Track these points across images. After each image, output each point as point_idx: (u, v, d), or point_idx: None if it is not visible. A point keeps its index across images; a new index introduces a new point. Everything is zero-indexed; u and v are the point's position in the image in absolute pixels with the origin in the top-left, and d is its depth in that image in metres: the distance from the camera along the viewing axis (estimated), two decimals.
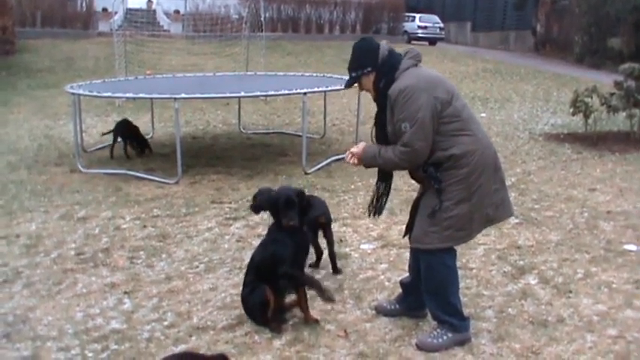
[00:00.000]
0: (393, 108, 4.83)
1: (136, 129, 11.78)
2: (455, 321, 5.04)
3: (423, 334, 5.15)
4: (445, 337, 5.02)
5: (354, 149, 5.17)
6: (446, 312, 5.06)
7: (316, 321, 5.33)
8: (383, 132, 5.00)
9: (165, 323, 5.48)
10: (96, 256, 6.97)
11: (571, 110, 12.82)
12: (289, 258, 5.19)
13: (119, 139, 11.52)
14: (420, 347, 5.00)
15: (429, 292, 5.12)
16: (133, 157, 11.43)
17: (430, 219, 4.91)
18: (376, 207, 5.42)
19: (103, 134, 12.11)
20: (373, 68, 4.98)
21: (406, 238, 5.38)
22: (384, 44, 5.07)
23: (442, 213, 4.86)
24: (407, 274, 5.65)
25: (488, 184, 4.87)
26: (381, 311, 5.58)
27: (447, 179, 4.84)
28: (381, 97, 4.96)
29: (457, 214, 4.84)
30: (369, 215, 5.47)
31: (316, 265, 6.55)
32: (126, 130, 11.64)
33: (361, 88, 5.19)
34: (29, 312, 5.70)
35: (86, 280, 6.34)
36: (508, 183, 9.28)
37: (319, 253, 6.58)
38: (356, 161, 5.14)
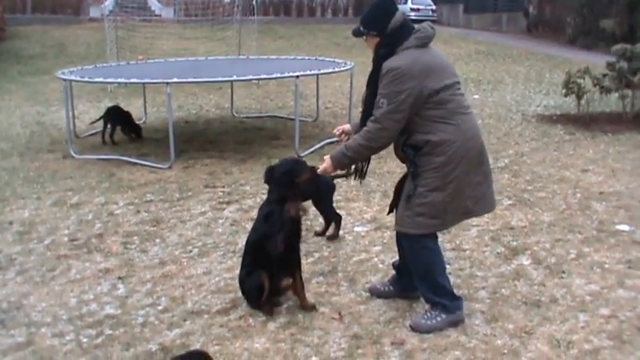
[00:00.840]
0: (380, 80, 4.82)
1: (127, 114, 11.75)
2: (446, 302, 5.06)
3: (416, 316, 5.17)
4: (439, 319, 5.04)
5: (321, 168, 5.13)
6: (436, 293, 5.08)
7: (313, 307, 5.33)
8: (373, 95, 4.93)
9: (160, 308, 5.49)
10: (89, 242, 6.97)
11: (563, 91, 12.81)
12: (280, 237, 5.16)
13: (109, 126, 11.47)
14: (414, 329, 5.02)
15: (417, 275, 5.14)
16: (120, 143, 11.38)
17: (405, 203, 4.95)
18: (360, 171, 5.39)
19: (92, 122, 12.05)
20: (379, 33, 4.94)
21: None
22: (399, 14, 4.95)
23: (415, 198, 4.88)
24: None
25: (467, 177, 4.84)
26: (374, 293, 5.60)
27: (423, 165, 4.84)
28: (378, 62, 4.93)
29: (430, 202, 4.84)
30: (355, 178, 5.42)
31: (322, 233, 6.94)
32: (116, 116, 11.59)
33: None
34: (23, 298, 5.71)
35: (80, 266, 6.34)
36: (501, 164, 9.42)
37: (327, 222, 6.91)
38: (332, 172, 5.16)
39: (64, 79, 10.81)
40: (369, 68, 5.01)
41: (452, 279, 5.82)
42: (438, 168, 4.79)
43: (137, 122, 12.07)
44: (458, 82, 4.98)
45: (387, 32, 4.90)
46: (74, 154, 10.49)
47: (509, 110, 13.90)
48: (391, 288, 5.57)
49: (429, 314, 5.09)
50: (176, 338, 5.00)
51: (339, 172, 5.26)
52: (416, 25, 4.97)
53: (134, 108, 14.31)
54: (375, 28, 4.95)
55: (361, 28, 5.03)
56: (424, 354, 4.71)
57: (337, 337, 4.95)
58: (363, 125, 4.98)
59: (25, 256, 6.67)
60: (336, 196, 8.09)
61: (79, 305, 5.53)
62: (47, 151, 11.03)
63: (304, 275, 5.42)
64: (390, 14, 4.92)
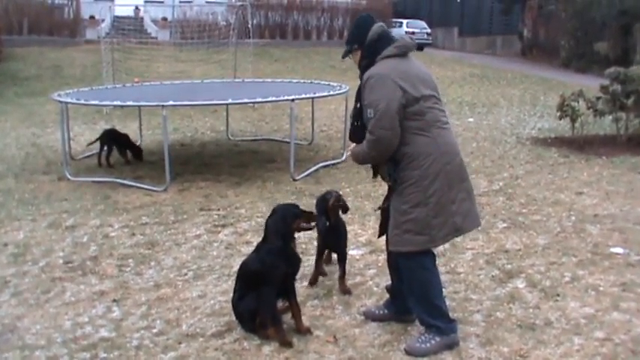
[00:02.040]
0: (362, 92, 4.92)
1: (124, 137, 11.78)
2: (441, 324, 5.06)
3: (411, 339, 5.16)
4: (433, 342, 5.03)
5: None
6: (431, 315, 5.07)
7: (308, 330, 5.32)
8: (358, 109, 5.03)
9: (155, 331, 5.48)
10: (84, 265, 6.96)
11: (558, 114, 12.87)
12: (275, 279, 5.20)
13: (105, 148, 11.48)
14: (409, 352, 5.01)
15: (413, 295, 5.15)
16: (116, 166, 11.39)
17: (393, 221, 5.02)
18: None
19: (89, 144, 12.06)
20: (359, 46, 5.08)
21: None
22: (377, 26, 5.07)
23: (401, 216, 4.93)
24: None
25: (449, 193, 4.87)
26: (369, 317, 5.59)
27: (403, 180, 4.89)
28: (361, 74, 5.06)
29: (414, 218, 4.86)
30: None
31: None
32: (112, 139, 11.60)
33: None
34: (17, 321, 5.69)
35: (75, 289, 6.33)
36: (496, 187, 9.44)
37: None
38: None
39: (60, 102, 10.82)
40: None
41: (446, 302, 5.83)
42: (417, 182, 4.83)
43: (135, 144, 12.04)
44: (436, 96, 5.01)
45: (366, 43, 5.04)
46: (69, 176, 10.49)
47: (504, 133, 13.95)
48: (386, 311, 5.56)
49: (423, 337, 5.09)
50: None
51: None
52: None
53: (130, 130, 14.29)
54: (355, 41, 5.12)
55: (347, 47, 5.20)
56: None
57: None
58: (350, 138, 5.17)
59: (19, 278, 6.66)
60: None
61: (73, 328, 5.51)
62: (42, 172, 11.02)
63: (299, 298, 5.41)
64: (367, 26, 5.08)
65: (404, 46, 5.01)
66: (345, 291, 6.08)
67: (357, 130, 5.05)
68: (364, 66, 5.02)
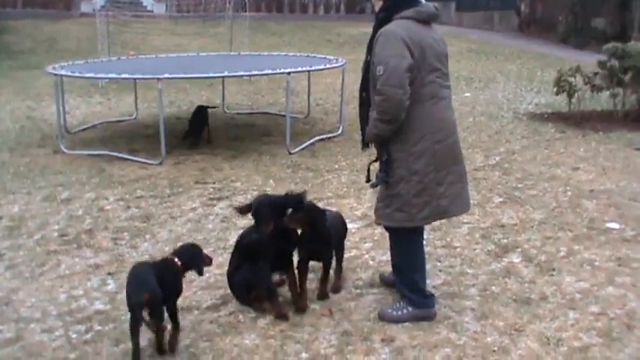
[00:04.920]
0: (373, 48, 4.83)
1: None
2: (415, 297, 5.12)
3: (386, 306, 5.26)
4: (405, 311, 5.10)
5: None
6: (407, 286, 5.15)
7: (305, 308, 5.29)
8: (367, 62, 4.98)
9: None
10: (79, 238, 6.95)
11: (555, 90, 12.81)
12: (271, 253, 5.19)
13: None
14: (381, 317, 5.12)
15: (395, 266, 5.27)
16: (111, 139, 11.34)
17: (379, 193, 5.07)
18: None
19: (187, 134, 11.13)
20: None
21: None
22: None
23: (385, 189, 4.96)
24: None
25: (435, 174, 4.84)
26: (384, 281, 5.71)
27: (390, 153, 4.85)
28: (375, 26, 4.95)
29: (396, 194, 4.87)
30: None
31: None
32: (204, 115, 11.11)
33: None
34: (12, 294, 5.69)
35: (69, 262, 6.32)
36: (492, 162, 9.43)
37: None
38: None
39: (55, 74, 10.75)
40: (361, 65, 5.06)
41: (442, 276, 5.87)
42: (402, 158, 4.80)
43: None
44: (442, 71, 4.96)
45: None
46: (64, 150, 10.44)
47: (501, 108, 13.89)
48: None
49: (396, 305, 5.18)
50: (166, 334, 4.99)
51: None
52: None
53: (125, 104, 14.30)
54: None
55: None
56: (414, 351, 4.72)
57: (327, 333, 4.95)
58: (361, 92, 5.10)
59: (14, 251, 6.65)
60: (326, 193, 8.11)
61: (68, 301, 5.51)
62: (37, 146, 10.98)
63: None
64: None
65: (425, 13, 4.93)
66: (323, 295, 5.48)
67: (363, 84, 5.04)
68: (380, 19, 4.93)
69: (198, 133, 10.86)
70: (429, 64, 4.82)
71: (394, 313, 5.12)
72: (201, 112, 11.11)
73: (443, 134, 4.86)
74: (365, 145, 5.19)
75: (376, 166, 5.08)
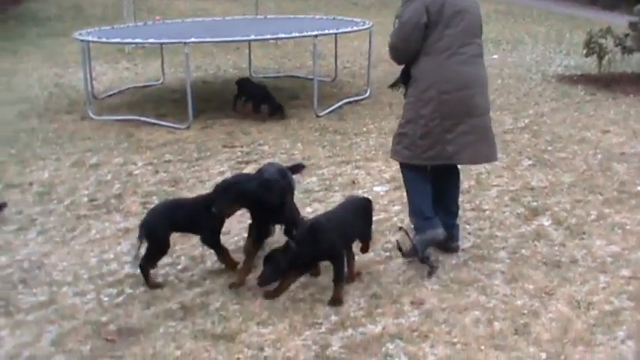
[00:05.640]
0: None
1: (260, 88, 10.67)
2: (419, 223, 5.44)
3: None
4: (414, 242, 5.38)
5: None
6: (413, 214, 5.54)
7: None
8: None
9: (179, 267, 5.52)
10: (109, 203, 6.99)
11: (584, 52, 12.66)
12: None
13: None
14: (405, 256, 5.45)
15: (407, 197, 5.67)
16: (138, 104, 11.35)
17: (395, 131, 5.54)
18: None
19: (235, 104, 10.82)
20: None
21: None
22: None
23: (399, 127, 5.44)
24: None
25: (442, 121, 5.16)
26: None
27: (407, 96, 5.37)
28: None
29: (405, 133, 5.33)
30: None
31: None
32: (243, 89, 10.70)
33: None
34: (44, 258, 5.75)
35: (100, 226, 6.36)
36: (521, 125, 9.36)
37: None
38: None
39: (82, 40, 10.75)
40: (388, 27, 5.16)
41: (471, 239, 5.86)
42: (413, 102, 5.25)
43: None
44: (467, 29, 5.22)
45: None
46: (92, 115, 10.48)
47: (529, 70, 13.74)
48: None
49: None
50: (195, 297, 5.03)
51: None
52: None
53: (152, 69, 14.30)
54: None
55: None
56: (443, 313, 4.72)
57: (356, 296, 4.96)
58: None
59: (45, 216, 6.71)
60: (355, 156, 8.09)
61: (99, 265, 5.56)
62: (65, 112, 11.02)
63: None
64: None
65: None
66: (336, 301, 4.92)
67: None
68: None
69: (273, 103, 10.30)
70: (448, 21, 5.11)
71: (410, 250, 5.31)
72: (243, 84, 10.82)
73: (452, 86, 5.14)
74: (394, 84, 5.68)
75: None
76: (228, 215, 5.21)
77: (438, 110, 5.14)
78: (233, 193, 5.01)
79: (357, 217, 5.23)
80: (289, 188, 5.48)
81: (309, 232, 4.85)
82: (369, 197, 5.83)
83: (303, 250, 4.79)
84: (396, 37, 5.26)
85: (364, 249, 5.40)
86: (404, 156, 5.40)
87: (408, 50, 5.22)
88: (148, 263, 5.19)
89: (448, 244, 5.60)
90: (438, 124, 5.16)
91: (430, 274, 5.17)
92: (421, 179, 5.47)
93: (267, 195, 5.01)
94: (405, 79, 5.41)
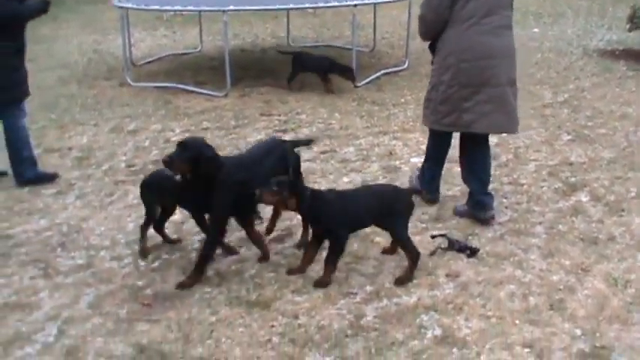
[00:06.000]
0: None
1: (323, 60, 10.26)
2: (421, 182, 5.96)
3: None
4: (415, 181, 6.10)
5: None
6: (420, 171, 6.04)
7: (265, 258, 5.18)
8: None
9: None
10: (146, 168, 7.03)
11: (628, 26, 12.46)
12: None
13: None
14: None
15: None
16: (177, 71, 11.39)
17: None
18: None
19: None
20: None
21: (456, 153, 5.91)
22: None
23: (426, 93, 5.70)
24: (457, 187, 6.22)
25: (460, 89, 5.35)
26: (457, 213, 5.85)
27: (434, 64, 5.58)
28: None
29: (429, 98, 5.63)
30: None
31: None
32: (300, 63, 10.24)
33: None
34: (82, 222, 5.82)
35: (137, 192, 6.36)
36: (561, 99, 9.25)
37: None
38: None
39: (121, 7, 10.78)
40: None
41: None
42: (436, 69, 5.51)
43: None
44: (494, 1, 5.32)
45: None
46: (131, 82, 10.54)
47: (570, 44, 13.55)
48: (466, 207, 5.80)
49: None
50: (231, 264, 5.06)
51: None
52: None
53: (190, 37, 14.33)
54: None
55: None
56: (479, 287, 4.70)
57: (391, 267, 4.96)
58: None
59: (83, 181, 6.78)
60: (392, 127, 8.06)
61: (136, 230, 5.59)
62: (104, 78, 11.10)
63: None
64: None
65: None
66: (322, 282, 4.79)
67: None
68: None
69: (343, 68, 10.00)
70: None
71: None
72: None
73: (471, 55, 5.29)
74: None
75: None
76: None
77: (456, 78, 5.35)
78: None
79: (375, 202, 4.90)
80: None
81: (312, 198, 4.68)
82: (405, 188, 5.72)
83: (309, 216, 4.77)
84: (425, 6, 5.40)
85: (392, 248, 5.18)
86: (427, 120, 5.74)
87: (437, 21, 5.35)
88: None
89: (481, 214, 5.64)
90: (456, 91, 5.37)
91: (470, 256, 5.12)
92: (440, 152, 5.90)
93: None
94: (432, 48, 5.59)
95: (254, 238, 5.17)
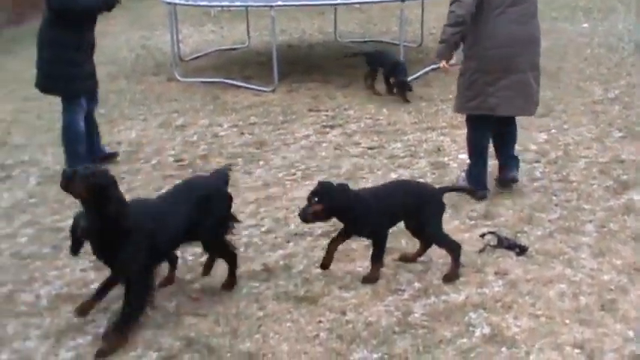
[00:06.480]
0: None
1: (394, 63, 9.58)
2: (471, 167, 6.15)
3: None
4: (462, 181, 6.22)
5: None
6: (469, 157, 6.23)
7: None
8: None
9: (263, 229, 5.57)
10: (194, 163, 7.10)
11: None
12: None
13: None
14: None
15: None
16: (224, 66, 11.44)
17: None
18: None
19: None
20: None
21: None
22: None
23: (457, 81, 6.02)
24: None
25: (486, 76, 5.72)
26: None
27: (462, 51, 5.93)
28: None
29: (458, 84, 5.99)
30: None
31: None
32: (377, 62, 9.77)
33: None
34: None
35: None
36: (611, 95, 9.11)
37: None
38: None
39: (169, 3, 10.86)
40: None
41: (558, 211, 5.76)
42: (465, 58, 5.88)
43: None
44: None
45: None
46: (179, 77, 10.61)
47: (621, 40, 13.31)
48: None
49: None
50: (279, 259, 5.07)
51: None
52: None
53: (237, 32, 14.39)
54: None
55: None
56: (528, 285, 4.65)
57: (440, 264, 4.92)
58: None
59: (132, 175, 6.85)
60: (440, 123, 8.02)
61: None
62: (152, 74, 11.20)
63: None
64: None
65: None
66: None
67: None
68: None
69: (398, 78, 9.30)
70: None
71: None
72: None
73: (496, 42, 5.65)
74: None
75: None
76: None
77: (481, 65, 5.73)
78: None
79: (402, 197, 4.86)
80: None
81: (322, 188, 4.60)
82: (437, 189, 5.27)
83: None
84: (456, 3, 5.61)
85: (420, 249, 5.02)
86: (456, 106, 6.17)
87: (466, 15, 5.58)
88: None
89: (505, 174, 6.12)
90: (480, 76, 5.75)
91: (519, 254, 5.07)
92: (481, 137, 6.10)
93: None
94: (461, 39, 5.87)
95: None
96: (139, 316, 4.29)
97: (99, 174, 4.05)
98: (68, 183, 3.96)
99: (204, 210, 4.44)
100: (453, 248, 4.80)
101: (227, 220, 4.73)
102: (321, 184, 4.69)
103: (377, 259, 4.76)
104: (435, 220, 4.84)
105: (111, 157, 7.26)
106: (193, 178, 5.26)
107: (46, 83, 6.80)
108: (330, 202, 4.50)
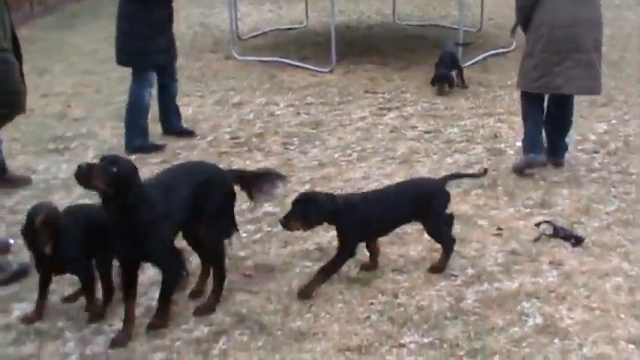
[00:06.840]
0: None
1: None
2: (527, 144, 6.19)
3: None
4: (519, 158, 6.31)
5: None
6: (524, 137, 6.28)
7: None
8: None
9: None
10: (250, 141, 7.12)
11: None
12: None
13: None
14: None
15: None
16: (281, 46, 11.44)
17: None
18: None
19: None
20: None
21: None
22: None
23: (521, 60, 6.28)
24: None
25: (552, 55, 5.89)
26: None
27: (528, 32, 6.16)
28: None
29: (522, 65, 6.22)
30: None
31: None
32: (453, 61, 9.12)
33: None
34: None
35: (241, 164, 6.47)
36: None
37: None
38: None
39: None
40: None
41: (616, 203, 5.66)
42: (530, 37, 6.11)
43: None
44: None
45: None
46: (236, 55, 10.65)
47: None
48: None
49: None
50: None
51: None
52: None
53: (295, 12, 14.38)
54: None
55: None
56: (583, 277, 4.57)
57: (494, 251, 4.88)
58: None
59: (188, 150, 6.91)
60: (498, 109, 7.93)
61: (238, 202, 5.63)
62: (210, 51, 11.27)
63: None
64: None
65: None
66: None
67: None
68: None
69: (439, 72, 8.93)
70: None
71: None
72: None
73: (561, 24, 5.85)
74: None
75: None
76: None
77: (548, 45, 5.91)
78: None
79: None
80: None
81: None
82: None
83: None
84: None
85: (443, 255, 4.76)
86: (520, 84, 6.28)
87: (527, 2, 6.00)
88: None
89: (551, 160, 6.26)
90: (547, 57, 5.93)
91: (575, 244, 5.00)
92: (535, 109, 6.25)
93: None
94: (521, 19, 6.29)
95: None
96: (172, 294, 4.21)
97: (122, 162, 3.91)
98: (83, 177, 3.83)
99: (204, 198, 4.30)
100: (449, 244, 4.69)
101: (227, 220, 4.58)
102: (302, 195, 4.59)
103: (329, 271, 4.46)
104: (436, 212, 4.67)
105: (185, 134, 7.34)
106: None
107: (120, 55, 7.00)
108: (309, 215, 4.33)
